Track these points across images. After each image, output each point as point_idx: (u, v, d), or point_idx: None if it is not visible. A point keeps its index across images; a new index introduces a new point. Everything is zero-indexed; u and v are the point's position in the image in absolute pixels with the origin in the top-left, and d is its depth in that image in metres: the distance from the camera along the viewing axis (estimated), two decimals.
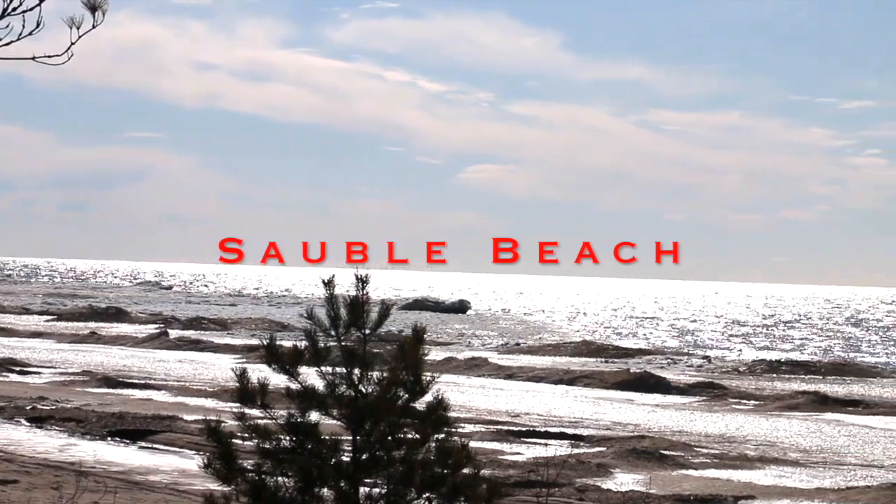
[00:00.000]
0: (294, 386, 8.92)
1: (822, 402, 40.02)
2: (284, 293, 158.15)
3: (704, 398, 42.19)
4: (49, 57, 6.76)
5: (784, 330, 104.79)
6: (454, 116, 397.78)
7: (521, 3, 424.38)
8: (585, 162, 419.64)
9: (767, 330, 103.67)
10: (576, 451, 25.45)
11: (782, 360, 60.62)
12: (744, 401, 41.51)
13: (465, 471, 8.83)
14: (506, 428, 29.88)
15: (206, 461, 8.90)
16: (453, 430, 9.06)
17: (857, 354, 73.10)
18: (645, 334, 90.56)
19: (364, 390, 8.86)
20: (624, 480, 22.42)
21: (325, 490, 8.78)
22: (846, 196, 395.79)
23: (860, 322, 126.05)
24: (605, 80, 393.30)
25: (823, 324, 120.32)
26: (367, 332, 8.96)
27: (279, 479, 8.78)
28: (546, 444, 26.43)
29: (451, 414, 9.08)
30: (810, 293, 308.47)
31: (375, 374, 8.88)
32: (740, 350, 74.49)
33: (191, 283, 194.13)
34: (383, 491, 8.79)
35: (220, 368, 43.87)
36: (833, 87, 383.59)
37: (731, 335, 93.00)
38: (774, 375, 53.40)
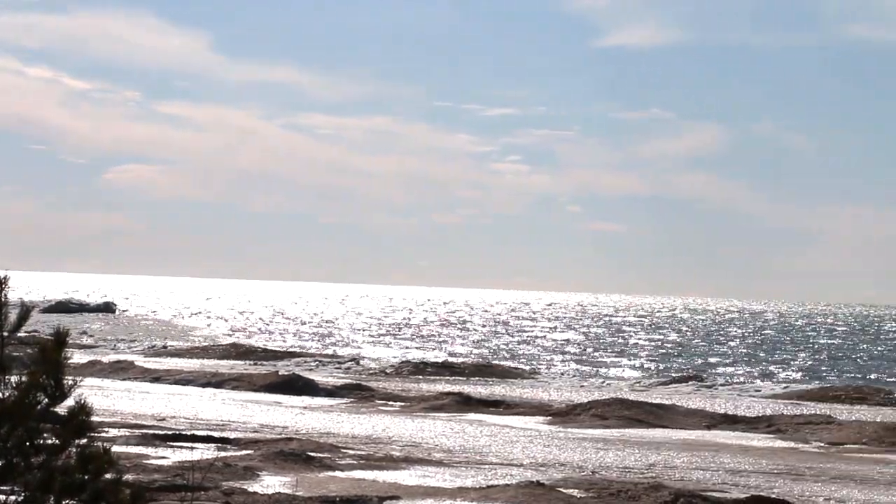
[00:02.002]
0: None
1: (466, 403, 41.10)
2: None
3: (352, 400, 42.68)
4: None
5: (430, 331, 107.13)
6: (100, 115, 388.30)
7: (169, 2, 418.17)
8: (236, 163, 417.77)
9: (414, 331, 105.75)
10: (223, 454, 25.27)
11: (428, 362, 61.96)
12: (390, 402, 42.20)
13: (108, 476, 8.65)
14: (151, 432, 29.39)
15: None
16: (96, 434, 8.87)
17: (496, 357, 75.37)
18: (294, 336, 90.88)
19: (1, 395, 8.57)
20: (271, 483, 22.39)
21: None
22: (490, 201, 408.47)
23: (503, 324, 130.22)
24: (254, 82, 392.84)
25: (469, 325, 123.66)
26: (6, 334, 8.67)
27: None
28: (193, 448, 26.09)
29: (95, 418, 8.89)
30: (453, 296, 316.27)
31: (14, 378, 8.61)
32: (387, 351, 75.72)
33: None
34: (20, 498, 8.51)
35: None
36: (476, 95, 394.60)
37: (378, 337, 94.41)
38: (420, 377, 54.52)
